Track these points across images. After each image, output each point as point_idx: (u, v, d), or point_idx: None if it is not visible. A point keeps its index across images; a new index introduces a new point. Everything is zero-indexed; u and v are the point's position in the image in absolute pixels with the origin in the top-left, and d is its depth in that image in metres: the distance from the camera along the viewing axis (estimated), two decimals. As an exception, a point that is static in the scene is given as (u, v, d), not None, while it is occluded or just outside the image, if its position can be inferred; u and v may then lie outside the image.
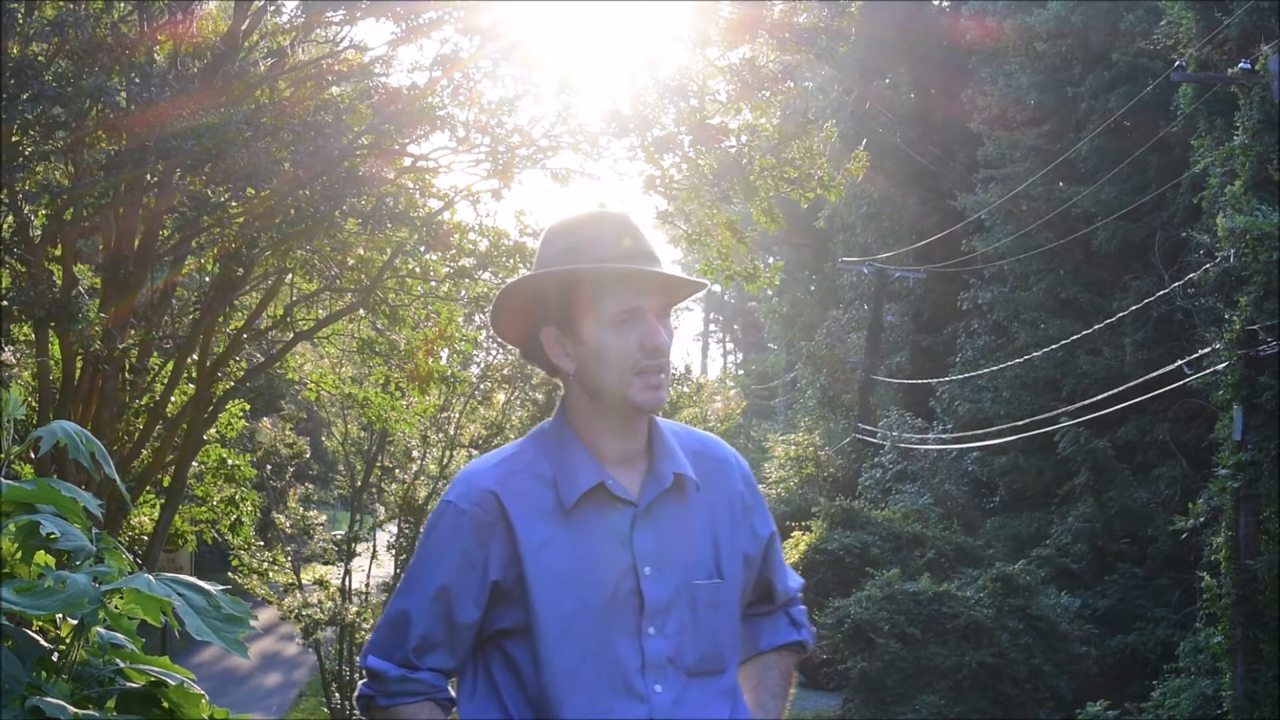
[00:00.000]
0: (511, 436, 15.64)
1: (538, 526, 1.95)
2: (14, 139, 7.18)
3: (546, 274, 1.97)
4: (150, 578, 1.69)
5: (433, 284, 11.19)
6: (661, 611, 1.95)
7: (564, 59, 9.65)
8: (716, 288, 54.60)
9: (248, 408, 13.06)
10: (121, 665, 1.78)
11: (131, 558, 1.90)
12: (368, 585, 15.30)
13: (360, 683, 2.04)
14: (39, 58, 7.24)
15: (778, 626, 2.20)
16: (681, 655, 1.95)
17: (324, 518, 16.31)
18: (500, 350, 16.01)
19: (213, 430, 11.17)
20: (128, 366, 8.79)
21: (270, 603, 15.11)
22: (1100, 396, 17.86)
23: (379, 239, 9.74)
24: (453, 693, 2.04)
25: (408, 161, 9.89)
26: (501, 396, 16.07)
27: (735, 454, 2.14)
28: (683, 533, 2.00)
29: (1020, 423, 20.68)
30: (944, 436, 24.32)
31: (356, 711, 15.07)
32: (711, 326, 63.56)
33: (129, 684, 1.77)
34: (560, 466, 1.98)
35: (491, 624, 1.98)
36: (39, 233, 8.38)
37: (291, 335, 10.90)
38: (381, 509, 16.02)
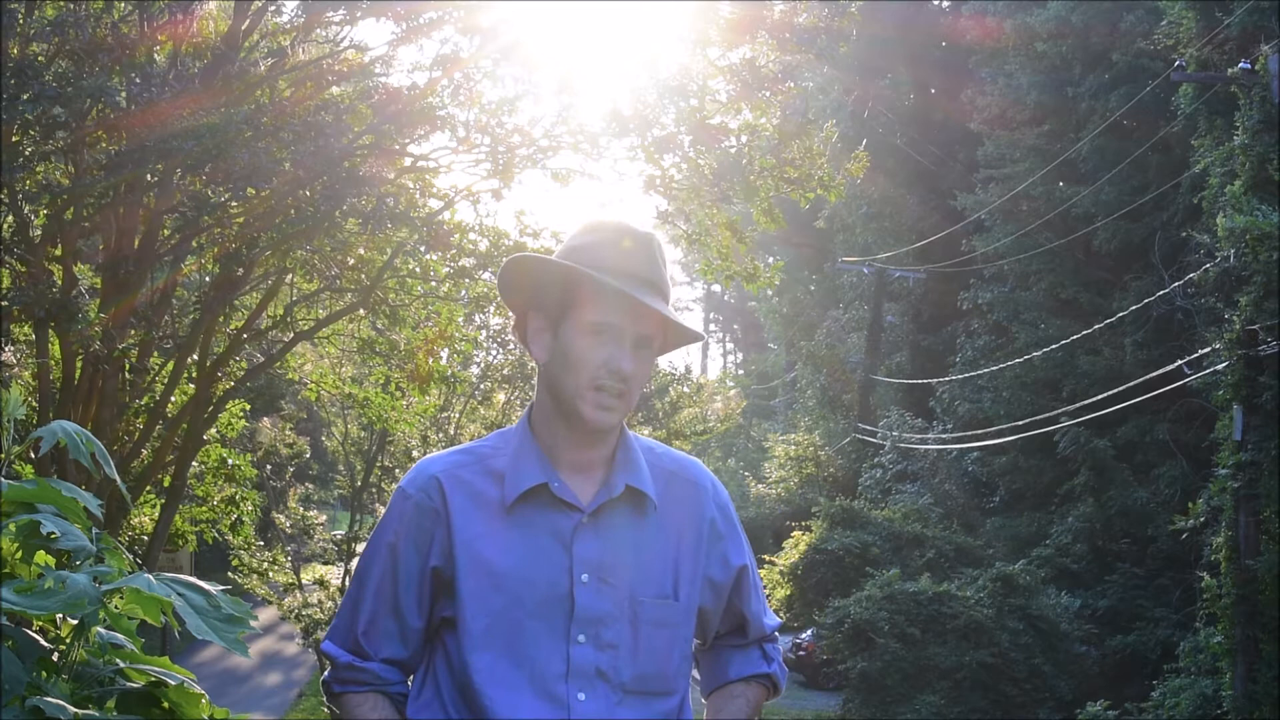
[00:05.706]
0: (511, 437, 15.64)
1: (476, 519, 1.95)
2: (14, 139, 7.17)
3: (547, 260, 1.99)
4: (150, 578, 1.69)
5: (433, 284, 11.19)
6: (594, 621, 1.92)
7: (564, 59, 9.66)
8: (716, 287, 54.59)
9: (248, 408, 13.05)
10: (121, 665, 1.78)
11: (131, 558, 1.90)
12: (368, 585, 15.29)
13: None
14: (39, 58, 7.23)
15: (749, 658, 2.18)
16: (617, 670, 1.93)
17: (324, 518, 16.33)
18: (500, 350, 16.03)
19: (213, 430, 11.16)
20: (128, 366, 8.78)
21: (270, 603, 15.12)
22: (1100, 396, 17.86)
23: (379, 239, 9.74)
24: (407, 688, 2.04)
25: (408, 161, 9.89)
26: (501, 396, 16.08)
27: (714, 481, 2.12)
28: (636, 548, 1.97)
29: (1020, 423, 20.69)
30: (944, 436, 24.32)
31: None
32: (711, 326, 63.60)
33: (129, 684, 1.77)
34: (511, 464, 1.98)
35: (437, 614, 1.98)
36: (39, 233, 8.37)
37: (291, 335, 10.89)
38: (381, 509, 16.01)
